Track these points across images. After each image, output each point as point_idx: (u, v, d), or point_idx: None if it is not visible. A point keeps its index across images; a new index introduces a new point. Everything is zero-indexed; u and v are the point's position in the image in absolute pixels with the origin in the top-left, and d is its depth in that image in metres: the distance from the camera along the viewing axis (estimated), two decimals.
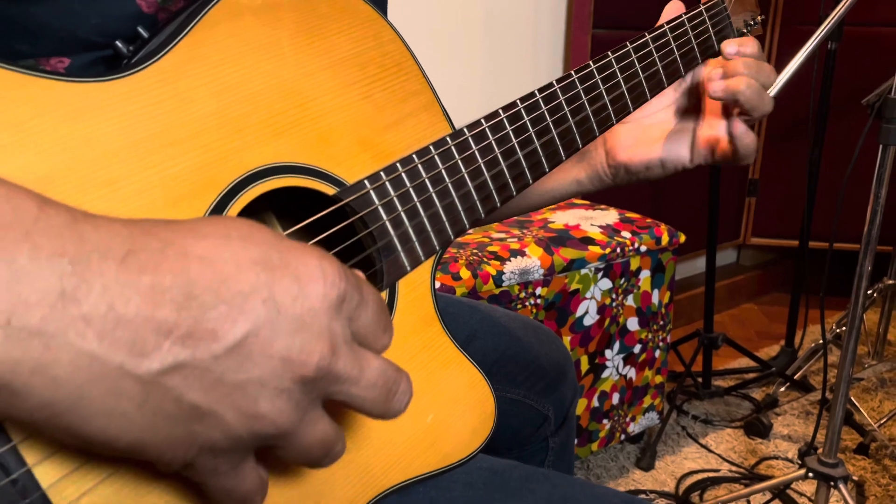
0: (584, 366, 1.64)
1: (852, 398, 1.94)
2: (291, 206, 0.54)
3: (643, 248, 1.63)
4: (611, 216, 1.71)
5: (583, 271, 1.55)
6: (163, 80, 0.44)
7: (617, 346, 1.68)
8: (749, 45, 0.71)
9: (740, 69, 0.69)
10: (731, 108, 0.72)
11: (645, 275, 1.67)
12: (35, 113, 0.39)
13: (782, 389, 2.09)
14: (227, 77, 0.46)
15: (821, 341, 2.02)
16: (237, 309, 0.33)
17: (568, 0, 2.05)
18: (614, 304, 1.64)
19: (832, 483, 1.40)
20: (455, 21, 1.88)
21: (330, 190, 0.51)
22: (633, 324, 1.69)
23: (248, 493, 0.38)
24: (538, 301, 1.51)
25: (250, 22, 0.48)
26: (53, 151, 0.39)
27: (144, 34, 0.47)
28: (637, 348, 1.72)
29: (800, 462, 1.61)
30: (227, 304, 0.33)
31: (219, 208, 0.45)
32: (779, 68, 1.59)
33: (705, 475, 1.77)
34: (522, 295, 1.48)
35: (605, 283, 1.60)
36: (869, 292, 2.12)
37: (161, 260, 0.32)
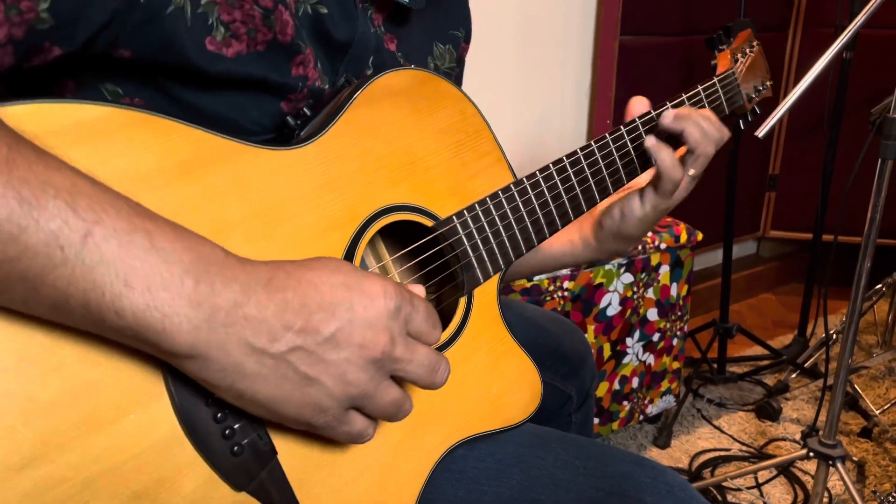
0: (607, 352, 1.79)
1: (857, 386, 2.07)
2: (396, 231, 0.73)
3: (663, 246, 1.77)
4: None
5: (607, 267, 1.70)
6: (326, 149, 0.64)
7: (637, 334, 1.83)
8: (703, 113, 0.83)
9: (694, 113, 0.82)
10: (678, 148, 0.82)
11: (664, 270, 1.82)
12: (245, 171, 0.59)
13: (793, 376, 2.23)
14: (366, 144, 0.68)
15: (832, 331, 2.16)
16: (330, 314, 0.51)
17: (597, 7, 2.17)
18: (635, 296, 1.79)
19: (831, 462, 1.54)
20: (489, 24, 2.01)
21: (428, 222, 0.72)
22: (652, 314, 1.84)
23: (360, 431, 0.56)
24: (566, 294, 1.66)
25: (381, 105, 0.69)
26: (255, 198, 0.59)
27: (308, 112, 0.66)
28: (656, 337, 1.87)
29: (802, 442, 1.75)
30: (325, 311, 0.51)
31: (357, 236, 0.66)
32: (799, 72, 1.70)
33: (717, 454, 1.92)
34: (551, 288, 1.64)
35: (627, 278, 1.76)
36: (879, 286, 2.24)
37: (286, 285, 0.51)
